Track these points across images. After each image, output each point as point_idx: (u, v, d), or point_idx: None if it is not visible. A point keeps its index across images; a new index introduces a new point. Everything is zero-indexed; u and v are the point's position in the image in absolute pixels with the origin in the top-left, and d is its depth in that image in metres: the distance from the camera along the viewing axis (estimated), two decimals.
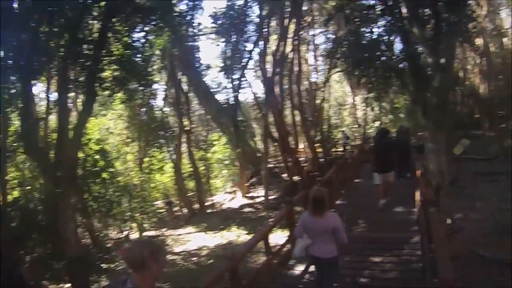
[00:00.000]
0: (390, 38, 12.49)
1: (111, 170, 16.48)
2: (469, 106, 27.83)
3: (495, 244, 8.62)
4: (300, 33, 24.47)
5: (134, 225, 17.54)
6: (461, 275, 7.22)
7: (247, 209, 18.84)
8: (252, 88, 32.80)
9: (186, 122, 20.90)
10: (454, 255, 6.79)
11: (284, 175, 21.28)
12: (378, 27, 12.98)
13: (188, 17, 17.87)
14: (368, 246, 7.71)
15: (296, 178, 20.06)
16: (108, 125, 20.99)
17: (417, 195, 9.32)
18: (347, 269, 6.56)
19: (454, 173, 13.22)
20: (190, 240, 16.02)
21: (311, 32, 29.40)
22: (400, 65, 12.15)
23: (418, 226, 8.30)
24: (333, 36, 24.75)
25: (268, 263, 7.13)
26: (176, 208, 21.58)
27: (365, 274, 6.72)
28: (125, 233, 17.06)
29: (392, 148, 10.87)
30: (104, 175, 15.62)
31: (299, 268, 7.13)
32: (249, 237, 11.64)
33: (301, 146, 26.17)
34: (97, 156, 15.60)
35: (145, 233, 17.48)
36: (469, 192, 12.65)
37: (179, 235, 17.01)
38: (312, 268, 6.46)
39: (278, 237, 11.41)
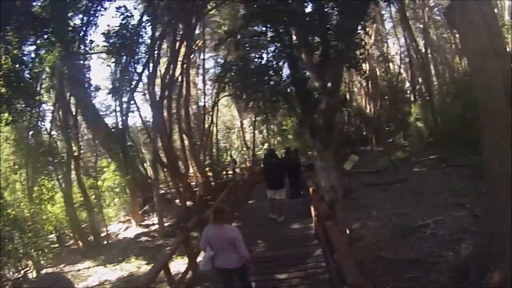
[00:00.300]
0: (279, 63, 13.10)
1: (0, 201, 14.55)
2: (356, 125, 30.63)
3: (397, 246, 9.50)
4: (191, 56, 24.60)
5: (29, 262, 15.58)
6: (372, 277, 7.77)
7: (143, 238, 18.16)
8: (141, 112, 31.81)
9: (74, 147, 19.33)
10: (359, 261, 7.28)
11: (177, 201, 20.89)
12: (268, 53, 13.60)
13: (81, 33, 16.75)
14: (271, 265, 7.84)
15: (188, 203, 19.82)
16: None
17: (312, 211, 9.84)
18: None
19: (346, 187, 14.33)
20: (90, 275, 14.86)
21: (201, 56, 29.80)
22: (288, 89, 12.83)
23: (318, 240, 8.72)
24: (223, 61, 25.39)
25: None
26: (70, 242, 19.71)
27: None
28: (22, 272, 15.03)
29: (281, 167, 11.56)
30: None
31: None
32: (149, 267, 11.14)
33: (191, 170, 25.96)
34: None
35: (43, 271, 15.60)
36: (363, 203, 13.81)
37: (78, 270, 15.63)
38: None
39: (178, 264, 11.14)
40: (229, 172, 27.60)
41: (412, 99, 28.21)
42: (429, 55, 27.95)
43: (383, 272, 8.61)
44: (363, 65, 18.72)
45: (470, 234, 9.80)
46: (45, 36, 11.62)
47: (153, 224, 19.51)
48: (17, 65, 10.94)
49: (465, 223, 10.71)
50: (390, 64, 32.10)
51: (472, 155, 15.03)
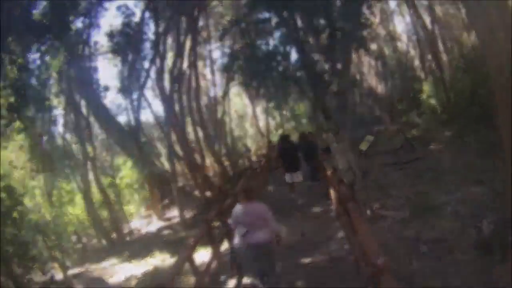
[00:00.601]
0: (286, 48, 13.04)
1: (20, 208, 14.83)
2: (369, 106, 30.33)
3: (418, 225, 9.44)
4: (197, 48, 24.52)
5: (55, 264, 15.92)
6: (394, 258, 7.74)
7: (165, 232, 18.27)
8: (152, 108, 31.90)
9: (89, 148, 19.56)
10: (381, 242, 7.24)
11: (196, 193, 20.92)
12: (274, 39, 13.53)
13: (85, 36, 16.86)
14: (294, 249, 7.80)
15: (208, 194, 19.86)
16: (10, 158, 18.88)
17: (332, 193, 9.78)
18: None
19: (363, 168, 14.25)
20: (116, 272, 15.00)
21: (208, 47, 29.67)
22: (298, 74, 12.76)
23: (339, 221, 8.70)
24: (229, 50, 25.25)
25: (199, 283, 6.87)
26: (93, 241, 20.08)
27: (301, 276, 6.81)
28: (49, 274, 15.38)
29: (295, 151, 11.57)
30: (14, 214, 13.94)
31: (231, 283, 7.06)
32: (173, 260, 11.22)
33: (207, 162, 26.03)
34: (3, 195, 13.86)
35: (69, 272, 15.91)
36: (381, 183, 13.70)
37: (103, 268, 15.83)
38: (245, 280, 6.43)
39: (202, 255, 11.21)
40: (245, 160, 27.55)
41: (422, 76, 27.84)
42: (437, 32, 27.46)
43: (405, 252, 8.56)
44: (371, 45, 18.50)
45: (491, 211, 9.69)
46: (48, 42, 11.63)
47: (174, 217, 19.60)
48: (23, 74, 11.03)
49: (485, 200, 10.57)
50: (398, 43, 31.62)
51: (487, 130, 14.81)
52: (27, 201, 17.93)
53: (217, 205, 9.02)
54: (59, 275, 15.65)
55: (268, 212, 5.48)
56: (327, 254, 7.42)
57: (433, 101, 22.41)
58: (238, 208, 5.59)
